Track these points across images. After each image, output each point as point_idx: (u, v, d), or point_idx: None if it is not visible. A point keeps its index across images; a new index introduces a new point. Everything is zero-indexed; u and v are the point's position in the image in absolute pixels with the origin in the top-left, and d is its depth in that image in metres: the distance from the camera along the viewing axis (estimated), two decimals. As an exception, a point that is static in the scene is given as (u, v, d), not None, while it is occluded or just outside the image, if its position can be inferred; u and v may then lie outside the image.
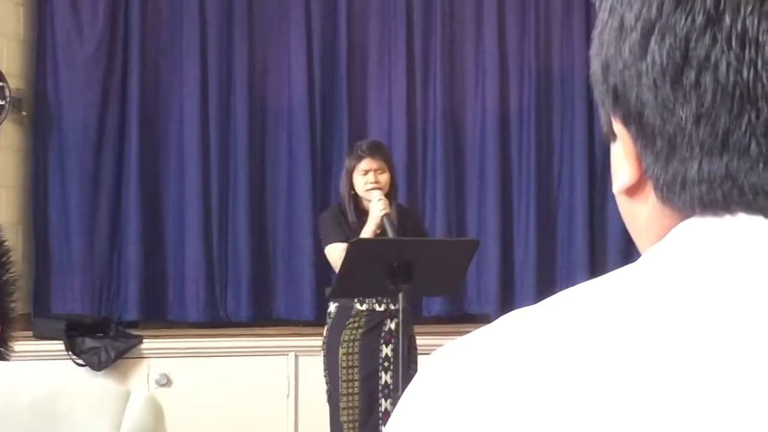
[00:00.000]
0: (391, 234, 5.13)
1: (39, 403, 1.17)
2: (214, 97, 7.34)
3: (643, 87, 0.74)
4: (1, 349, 1.47)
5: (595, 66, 0.80)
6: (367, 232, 5.22)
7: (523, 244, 7.51)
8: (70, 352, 6.37)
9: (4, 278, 1.49)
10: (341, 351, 5.31)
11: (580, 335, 0.70)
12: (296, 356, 6.51)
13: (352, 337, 5.32)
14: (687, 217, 0.75)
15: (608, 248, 7.47)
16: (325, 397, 5.46)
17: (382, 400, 5.29)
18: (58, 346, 6.38)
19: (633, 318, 0.70)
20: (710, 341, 0.67)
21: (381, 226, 5.21)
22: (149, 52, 7.32)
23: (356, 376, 5.29)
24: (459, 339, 0.76)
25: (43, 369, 1.23)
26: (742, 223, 0.72)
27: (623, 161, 0.79)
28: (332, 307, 5.45)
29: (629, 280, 0.74)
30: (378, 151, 5.47)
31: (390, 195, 5.37)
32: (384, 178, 5.37)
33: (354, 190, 5.41)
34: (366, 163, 5.36)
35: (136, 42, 7.24)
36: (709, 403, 0.65)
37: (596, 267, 7.38)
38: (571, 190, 7.54)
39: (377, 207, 5.22)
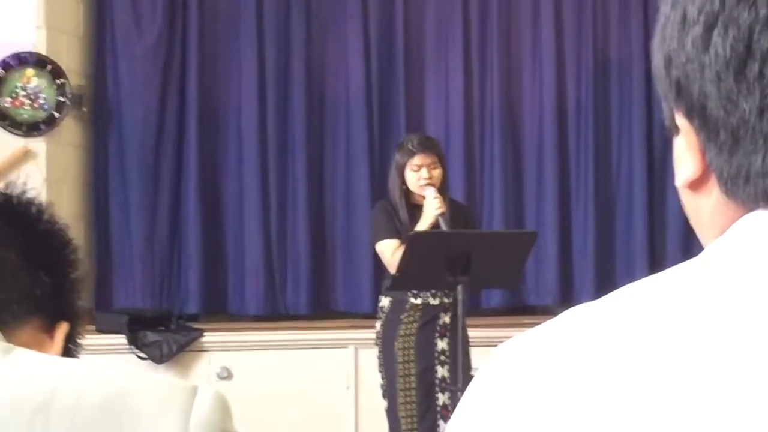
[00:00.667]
0: None
1: (109, 400, 1.18)
2: (272, 91, 7.37)
3: (706, 80, 0.74)
4: (70, 345, 1.49)
5: (658, 59, 0.80)
6: (421, 228, 5.21)
7: (581, 236, 7.47)
8: (132, 346, 6.43)
9: (72, 276, 1.51)
10: (397, 345, 5.29)
11: (644, 334, 0.70)
12: (356, 349, 6.52)
13: (408, 332, 5.29)
14: (751, 210, 0.75)
15: (667, 240, 7.41)
16: (384, 389, 5.47)
17: (440, 393, 5.28)
18: (121, 339, 6.44)
19: (698, 316, 0.69)
20: None
21: (435, 225, 5.18)
22: (207, 46, 7.36)
23: (413, 371, 5.27)
24: (521, 335, 0.76)
25: (110, 366, 1.25)
26: None
27: (686, 154, 0.79)
28: (385, 301, 5.41)
29: (693, 277, 0.73)
30: (430, 146, 5.41)
31: (443, 190, 5.32)
32: (437, 173, 5.32)
33: (405, 185, 5.39)
34: (419, 159, 5.30)
35: (195, 36, 7.29)
36: None
37: (656, 258, 7.33)
38: (629, 182, 7.49)
39: (433, 205, 5.18)
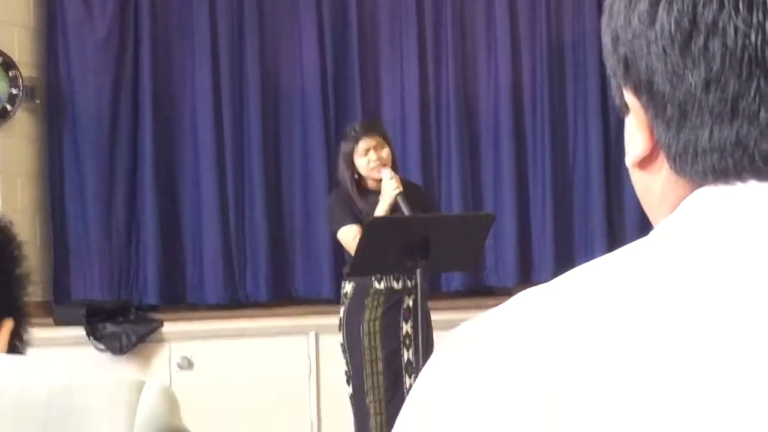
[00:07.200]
0: (406, 212, 5.11)
1: (55, 398, 1.17)
2: (227, 82, 7.34)
3: (653, 55, 0.74)
4: (16, 342, 1.47)
5: (606, 38, 0.80)
6: (381, 212, 5.20)
7: (540, 218, 7.50)
8: (91, 338, 6.38)
9: (17, 272, 1.49)
10: (363, 330, 5.29)
11: (594, 317, 0.70)
12: (317, 335, 6.51)
13: (373, 316, 5.29)
14: (700, 186, 0.75)
15: (625, 219, 7.46)
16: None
17: (407, 377, 5.28)
18: (79, 331, 6.39)
19: (650, 295, 0.69)
20: (726, 317, 0.67)
21: (395, 205, 5.19)
22: (160, 35, 7.31)
23: (379, 355, 5.28)
24: (471, 321, 0.76)
25: (57, 363, 1.24)
26: (753, 190, 0.72)
27: (636, 132, 0.79)
28: (348, 287, 5.41)
29: (644, 257, 0.73)
30: (373, 128, 5.48)
31: (393, 169, 5.34)
32: (385, 152, 5.34)
33: (356, 173, 5.39)
34: (365, 143, 5.32)
35: (147, 27, 7.23)
36: (733, 387, 0.64)
37: (614, 237, 7.37)
38: (586, 162, 7.53)
39: (390, 186, 5.19)
